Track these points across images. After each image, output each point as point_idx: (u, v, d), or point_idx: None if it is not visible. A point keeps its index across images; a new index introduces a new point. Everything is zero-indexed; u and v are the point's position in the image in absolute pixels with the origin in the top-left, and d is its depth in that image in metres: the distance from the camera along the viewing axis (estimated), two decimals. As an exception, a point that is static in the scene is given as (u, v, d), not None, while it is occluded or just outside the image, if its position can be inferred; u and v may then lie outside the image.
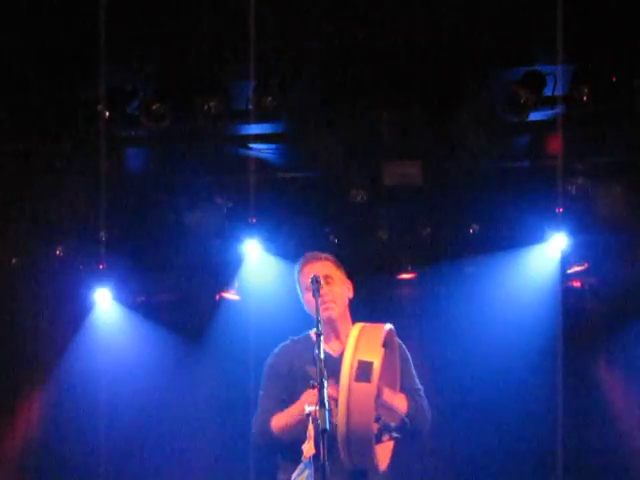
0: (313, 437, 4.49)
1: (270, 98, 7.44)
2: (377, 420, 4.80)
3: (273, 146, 8.12)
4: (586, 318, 8.75)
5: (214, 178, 8.37)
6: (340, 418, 4.58)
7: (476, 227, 8.37)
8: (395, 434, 4.84)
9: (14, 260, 8.57)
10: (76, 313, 8.83)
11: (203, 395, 8.85)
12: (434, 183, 8.12)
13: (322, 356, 4.55)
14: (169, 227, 8.43)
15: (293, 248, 8.02)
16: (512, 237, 8.32)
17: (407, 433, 4.94)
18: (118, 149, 8.12)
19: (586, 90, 7.19)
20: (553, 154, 7.89)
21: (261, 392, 5.20)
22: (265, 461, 5.44)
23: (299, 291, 5.24)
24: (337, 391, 4.74)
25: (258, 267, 8.57)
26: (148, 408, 8.81)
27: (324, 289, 5.00)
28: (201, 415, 8.90)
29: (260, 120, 7.64)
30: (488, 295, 8.47)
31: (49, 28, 6.87)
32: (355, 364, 4.62)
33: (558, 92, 7.35)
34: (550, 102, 7.41)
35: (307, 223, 8.26)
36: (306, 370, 4.98)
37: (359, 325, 4.80)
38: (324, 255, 5.27)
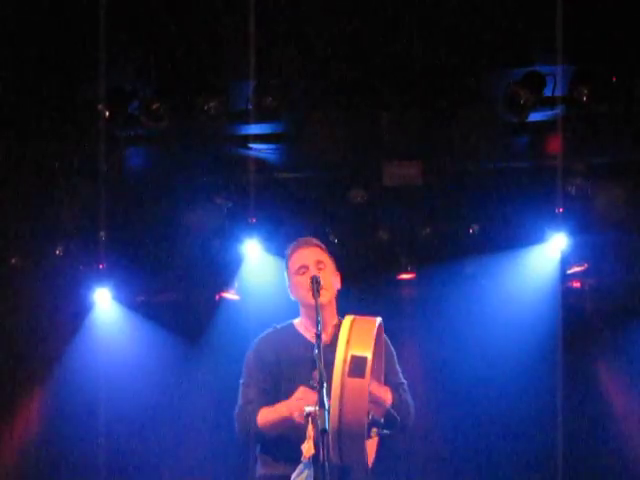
0: (313, 437, 4.48)
1: (270, 98, 7.44)
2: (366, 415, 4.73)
3: (273, 146, 8.12)
4: (586, 318, 8.74)
5: (214, 178, 8.37)
6: (332, 414, 4.48)
7: (476, 227, 8.37)
8: (385, 430, 4.78)
9: (14, 260, 8.57)
10: (76, 313, 8.83)
11: (203, 394, 8.85)
12: (434, 183, 8.12)
13: (321, 356, 4.52)
14: (169, 227, 8.43)
15: (293, 248, 8.01)
16: (512, 237, 8.32)
17: (395, 428, 4.88)
18: (118, 149, 8.12)
19: (586, 91, 7.19)
20: (553, 154, 7.89)
21: (243, 381, 5.06)
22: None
23: (286, 275, 5.13)
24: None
25: (258, 267, 8.57)
26: (148, 408, 8.81)
27: (316, 274, 4.94)
28: (200, 414, 8.90)
29: (260, 120, 7.65)
30: (488, 295, 8.47)
31: (49, 28, 6.88)
32: (348, 359, 4.52)
33: (558, 92, 7.36)
34: (550, 102, 7.41)
35: (307, 223, 8.25)
36: (293, 359, 4.92)
37: (350, 318, 4.69)
38: (316, 241, 5.16)
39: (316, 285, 4.83)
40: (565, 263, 8.45)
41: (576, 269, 8.51)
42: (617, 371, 8.66)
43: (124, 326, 8.95)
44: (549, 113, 7.50)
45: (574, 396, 8.48)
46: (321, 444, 4.36)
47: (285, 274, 5.14)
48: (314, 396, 4.60)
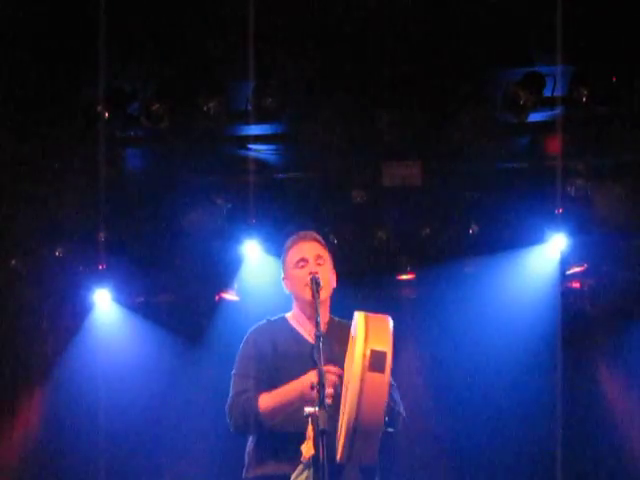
0: (312, 438, 4.46)
1: (270, 99, 7.44)
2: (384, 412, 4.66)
3: (273, 147, 8.12)
4: (585, 319, 8.75)
5: (214, 179, 8.37)
6: (350, 409, 4.40)
7: (476, 228, 8.37)
8: (389, 428, 4.74)
9: (14, 261, 8.57)
10: (76, 314, 8.84)
11: (202, 395, 8.84)
12: (434, 183, 8.12)
13: (321, 357, 4.51)
14: (169, 228, 8.43)
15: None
16: (511, 238, 8.32)
17: (397, 426, 4.83)
18: (118, 149, 8.12)
19: (585, 91, 7.19)
20: (552, 155, 7.89)
21: (236, 372, 4.96)
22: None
23: (282, 268, 5.06)
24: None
25: (258, 268, 8.57)
26: (147, 408, 8.81)
27: (315, 268, 4.90)
28: (200, 415, 8.89)
29: (260, 121, 7.64)
30: (487, 296, 8.47)
31: (49, 29, 6.87)
32: (368, 353, 4.42)
33: (558, 93, 7.36)
34: (550, 103, 7.41)
35: (307, 224, 8.24)
36: (287, 353, 4.85)
37: (362, 314, 4.61)
38: (316, 236, 5.09)
39: (316, 286, 4.77)
40: (565, 264, 8.45)
41: (575, 270, 8.51)
42: (616, 371, 8.67)
43: (124, 327, 8.95)
44: (549, 113, 7.50)
45: (573, 396, 8.49)
46: (321, 444, 4.35)
47: (281, 266, 5.07)
48: (331, 368, 4.59)
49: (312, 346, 4.69)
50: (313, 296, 4.76)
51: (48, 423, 8.89)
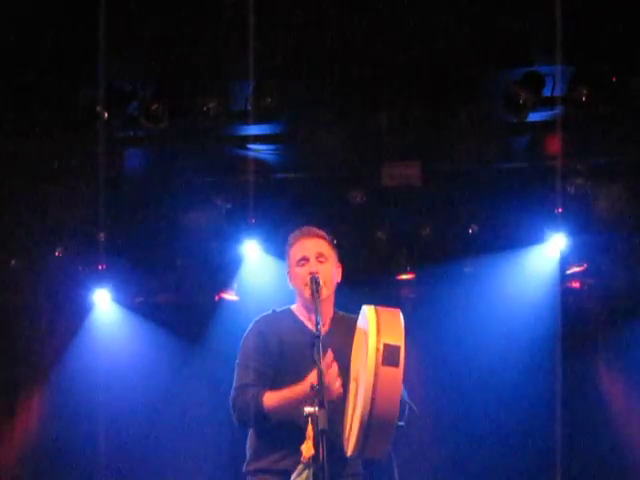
0: (312, 438, 4.46)
1: (269, 99, 7.44)
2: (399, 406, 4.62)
3: (272, 147, 8.12)
4: (585, 318, 8.75)
5: (213, 179, 8.37)
6: (364, 404, 4.37)
7: (475, 227, 8.37)
8: (400, 423, 4.70)
9: (14, 261, 8.57)
10: (75, 314, 8.83)
11: (202, 395, 8.84)
12: (433, 183, 8.12)
13: (321, 357, 4.50)
14: (168, 228, 8.43)
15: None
16: (511, 237, 8.32)
17: (406, 420, 4.82)
18: (117, 150, 8.12)
19: (585, 91, 7.19)
20: (552, 154, 7.89)
21: (240, 362, 4.94)
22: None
23: (287, 262, 5.06)
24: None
25: (257, 268, 8.57)
26: (147, 408, 8.81)
27: (315, 267, 4.90)
28: (200, 415, 8.90)
29: (259, 121, 7.64)
30: (487, 295, 8.47)
31: (49, 28, 6.87)
32: (381, 347, 4.41)
33: (557, 93, 7.36)
34: (549, 103, 7.41)
35: (306, 224, 8.21)
36: (294, 343, 4.83)
37: (372, 308, 4.59)
38: (318, 232, 5.09)
39: (315, 286, 4.79)
40: (564, 263, 8.45)
41: (575, 269, 8.51)
42: (616, 371, 8.66)
43: (124, 327, 8.95)
44: (548, 113, 7.50)
45: (573, 396, 8.48)
46: (321, 444, 4.34)
47: (286, 261, 5.07)
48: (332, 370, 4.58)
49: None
50: (312, 296, 4.78)
51: (48, 423, 8.88)
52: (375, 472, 4.93)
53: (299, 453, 4.50)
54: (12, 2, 6.65)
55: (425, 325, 8.48)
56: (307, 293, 4.85)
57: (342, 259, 5.15)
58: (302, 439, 4.47)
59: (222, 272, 8.77)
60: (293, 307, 5.07)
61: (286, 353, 4.87)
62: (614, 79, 7.14)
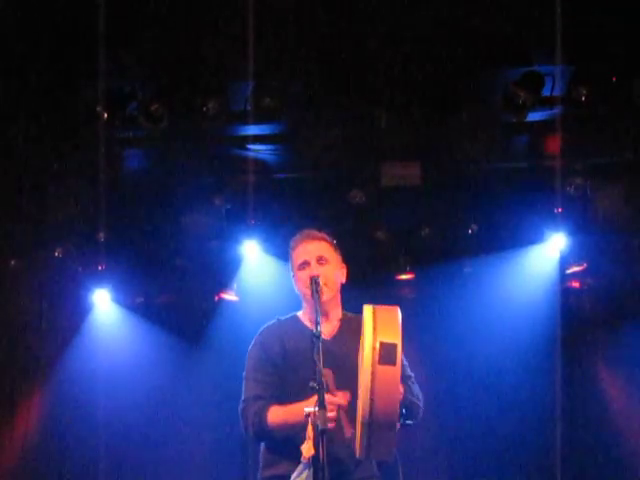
0: (312, 438, 4.46)
1: (269, 99, 7.44)
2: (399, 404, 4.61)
3: (272, 147, 8.12)
4: (585, 318, 8.74)
5: (213, 179, 8.37)
6: (363, 405, 4.37)
7: (475, 227, 8.37)
8: (408, 421, 4.68)
9: (13, 261, 8.57)
10: (75, 314, 8.83)
11: (202, 396, 8.85)
12: (433, 183, 8.12)
13: (320, 357, 4.50)
14: (168, 228, 8.43)
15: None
16: (511, 237, 8.32)
17: (417, 418, 4.82)
18: (117, 150, 8.12)
19: (585, 90, 7.19)
20: (552, 154, 7.89)
21: (246, 375, 4.97)
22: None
23: (290, 268, 5.07)
24: (333, 379, 4.70)
25: (257, 268, 8.57)
26: (147, 409, 8.80)
27: (317, 270, 4.91)
28: (200, 416, 8.90)
29: (259, 121, 7.65)
30: (487, 295, 8.47)
31: (49, 28, 6.88)
32: (377, 346, 4.39)
33: (557, 92, 7.36)
34: (549, 102, 7.42)
35: (306, 224, 8.22)
36: (298, 350, 4.84)
37: (370, 307, 4.58)
38: (321, 235, 5.10)
39: (315, 286, 4.80)
40: (564, 263, 8.45)
41: (575, 269, 8.51)
42: (616, 370, 8.66)
43: (123, 327, 8.95)
44: (548, 113, 7.50)
45: (572, 395, 8.49)
46: (321, 444, 4.35)
47: (289, 266, 5.09)
48: (333, 398, 4.59)
49: (326, 342, 4.74)
50: (312, 296, 4.79)
51: (48, 423, 8.88)
52: (382, 472, 4.93)
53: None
54: (12, 2, 6.66)
55: (425, 325, 8.48)
56: (308, 295, 4.87)
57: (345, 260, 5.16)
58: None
59: (222, 272, 8.77)
60: (299, 313, 5.08)
61: (289, 359, 4.89)
62: (614, 79, 7.14)
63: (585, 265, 8.49)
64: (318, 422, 4.37)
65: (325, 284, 4.87)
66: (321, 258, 4.99)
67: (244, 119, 7.65)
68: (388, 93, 7.48)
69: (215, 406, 8.68)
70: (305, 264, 4.97)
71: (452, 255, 8.47)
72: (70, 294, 8.77)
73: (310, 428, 4.44)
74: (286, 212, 8.23)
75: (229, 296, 8.87)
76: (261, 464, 4.98)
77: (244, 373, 5.00)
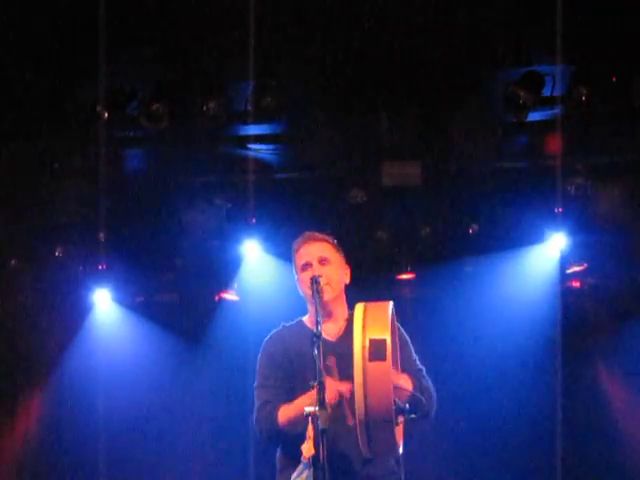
0: (312, 438, 4.46)
1: (269, 98, 7.44)
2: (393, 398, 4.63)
3: (272, 146, 8.12)
4: (585, 318, 8.75)
5: (213, 179, 8.37)
6: (358, 403, 4.39)
7: (475, 227, 8.37)
8: (412, 415, 4.68)
9: (14, 261, 8.57)
10: (75, 314, 8.84)
11: (202, 395, 8.85)
12: (434, 183, 8.12)
13: (320, 356, 4.51)
14: (168, 228, 8.43)
15: (292, 248, 8.01)
16: (511, 237, 8.32)
17: (421, 411, 4.82)
18: (117, 149, 8.12)
19: (585, 90, 7.19)
20: (552, 154, 7.89)
21: (257, 384, 4.99)
22: (264, 462, 5.42)
23: (294, 271, 5.08)
24: (340, 379, 4.71)
25: (257, 267, 8.58)
26: (147, 408, 8.81)
27: (318, 271, 4.92)
28: (200, 415, 8.90)
29: (259, 121, 7.65)
30: (487, 295, 8.47)
31: (49, 28, 6.88)
32: (367, 343, 4.42)
33: (557, 92, 7.36)
34: (549, 102, 7.41)
35: (306, 223, 8.23)
36: (304, 354, 4.81)
37: (362, 305, 4.62)
38: (322, 236, 5.09)
39: (316, 285, 4.80)
40: (564, 263, 8.45)
41: (575, 269, 8.51)
42: (616, 370, 8.66)
43: (124, 327, 8.96)
44: (548, 113, 7.50)
45: (573, 395, 8.49)
46: (321, 444, 4.35)
47: (293, 268, 5.09)
48: (337, 384, 4.61)
49: (332, 343, 4.79)
50: (313, 296, 4.79)
51: (48, 423, 8.89)
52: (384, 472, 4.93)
53: None
54: (12, 2, 6.66)
55: (425, 325, 8.48)
56: (310, 296, 4.87)
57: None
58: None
59: (222, 272, 8.77)
60: (304, 318, 5.08)
61: (295, 364, 4.89)
62: (614, 79, 7.14)
63: (585, 265, 8.49)
64: (318, 422, 4.37)
65: (327, 284, 4.88)
66: (323, 259, 4.99)
67: (244, 119, 7.65)
68: (389, 93, 7.48)
69: (215, 405, 8.69)
70: (307, 265, 4.97)
71: (452, 255, 8.47)
72: (70, 294, 8.78)
73: (310, 428, 4.44)
74: (286, 212, 8.23)
75: (229, 296, 8.87)
76: (277, 467, 4.97)
77: (255, 384, 5.01)
